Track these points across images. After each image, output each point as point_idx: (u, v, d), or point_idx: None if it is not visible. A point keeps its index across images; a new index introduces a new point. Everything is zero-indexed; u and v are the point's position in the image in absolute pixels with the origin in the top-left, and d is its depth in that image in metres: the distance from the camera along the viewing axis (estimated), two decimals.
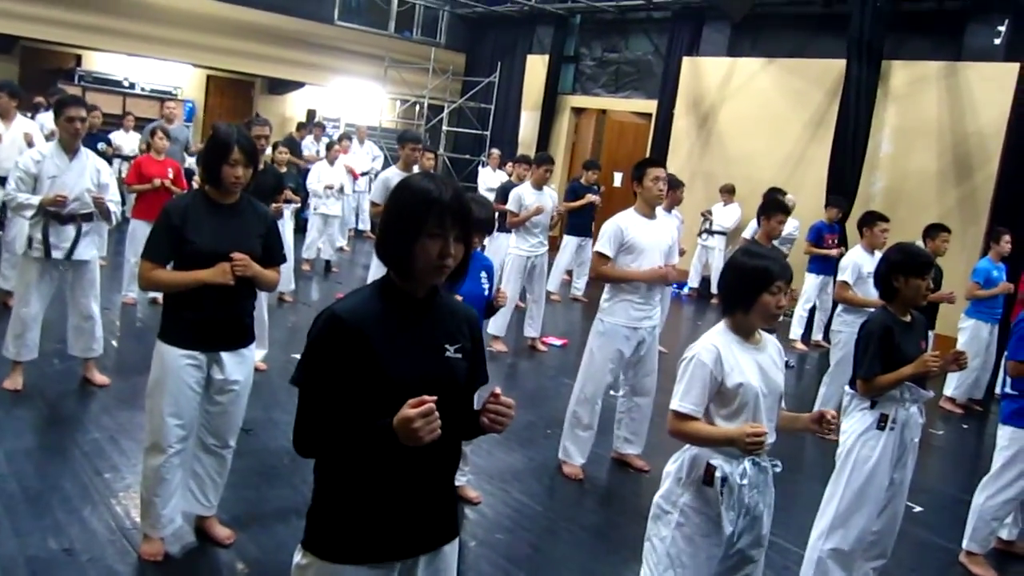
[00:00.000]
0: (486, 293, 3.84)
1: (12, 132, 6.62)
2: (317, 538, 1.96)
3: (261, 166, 5.57)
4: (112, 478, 4.09)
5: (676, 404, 2.70)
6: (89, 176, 5.03)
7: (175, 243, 3.23)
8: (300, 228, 9.59)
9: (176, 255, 3.26)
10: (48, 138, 6.62)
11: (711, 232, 11.29)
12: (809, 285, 9.32)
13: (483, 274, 3.84)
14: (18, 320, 5.07)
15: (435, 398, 1.79)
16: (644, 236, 4.74)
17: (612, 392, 5.13)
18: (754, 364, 2.72)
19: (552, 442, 5.22)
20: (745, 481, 2.66)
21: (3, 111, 6.65)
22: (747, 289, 2.70)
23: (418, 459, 1.89)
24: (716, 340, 2.74)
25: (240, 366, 3.43)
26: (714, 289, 10.67)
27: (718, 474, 2.66)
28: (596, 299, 9.37)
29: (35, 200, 4.85)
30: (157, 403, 3.32)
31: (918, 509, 4.91)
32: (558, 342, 8.11)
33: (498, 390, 1.98)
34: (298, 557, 1.98)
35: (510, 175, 9.87)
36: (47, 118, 10.27)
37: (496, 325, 7.38)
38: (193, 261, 3.23)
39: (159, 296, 6.93)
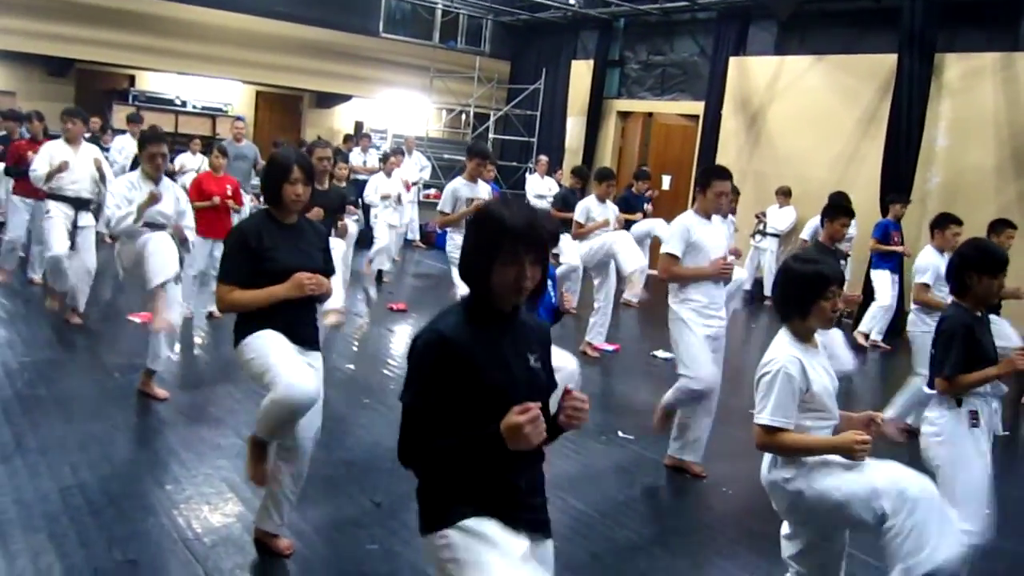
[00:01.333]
0: (553, 300, 3.97)
1: (80, 157, 6.81)
2: (440, 513, 2.06)
3: (326, 186, 5.78)
4: (173, 490, 4.14)
5: (767, 419, 2.72)
6: (171, 203, 5.42)
7: (253, 263, 3.33)
8: (359, 241, 9.68)
9: (253, 275, 3.34)
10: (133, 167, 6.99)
11: (764, 234, 11.15)
12: (883, 282, 9.07)
13: (548, 282, 3.89)
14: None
15: (539, 404, 1.92)
16: (706, 237, 4.80)
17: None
18: (821, 367, 2.78)
19: (608, 449, 5.19)
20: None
21: (72, 137, 6.85)
22: (803, 295, 2.73)
23: (518, 461, 2.03)
24: (793, 351, 2.77)
25: (311, 367, 3.47)
26: (767, 291, 10.54)
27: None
28: (645, 304, 9.32)
29: (132, 208, 5.19)
30: (268, 356, 3.29)
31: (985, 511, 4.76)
32: (610, 347, 8.06)
33: (570, 386, 2.10)
34: (435, 541, 2.05)
35: (559, 182, 9.90)
36: (124, 142, 10.72)
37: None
38: (271, 278, 3.32)
39: (215, 310, 7.06)
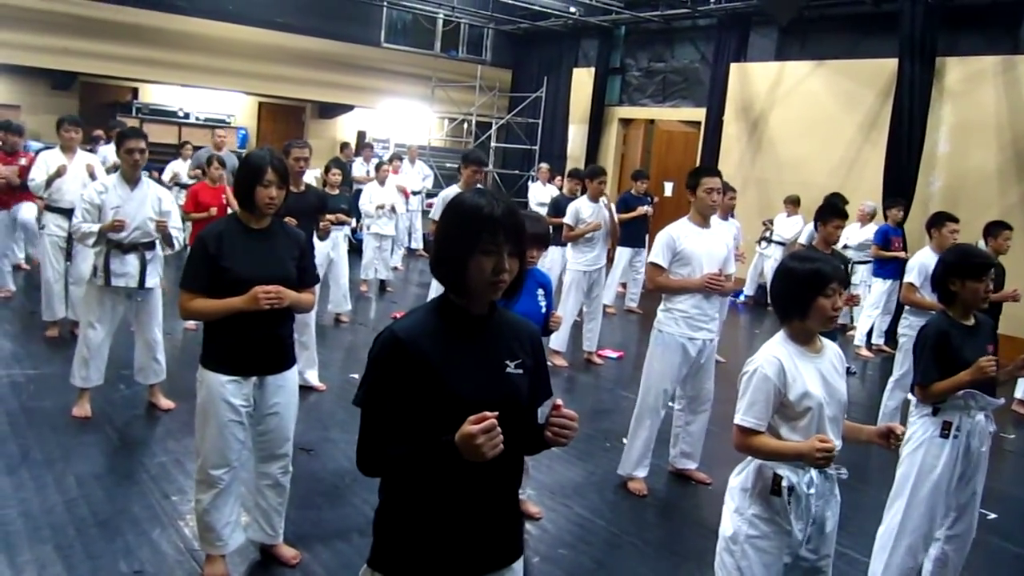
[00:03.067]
0: (543, 310, 3.81)
1: (75, 165, 6.79)
2: (383, 556, 1.97)
3: (303, 188, 5.69)
4: (179, 500, 4.15)
5: (739, 419, 2.66)
6: (151, 205, 5.15)
7: (212, 271, 3.24)
8: (354, 249, 9.68)
9: (213, 283, 3.25)
10: (110, 171, 6.77)
11: (770, 241, 11.12)
12: (877, 291, 9.09)
13: (540, 291, 3.82)
14: (84, 347, 5.19)
15: (496, 413, 1.78)
16: (698, 246, 4.67)
17: (670, 404, 5.07)
18: (816, 373, 2.66)
19: (612, 455, 5.18)
20: (812, 490, 2.61)
21: (68, 145, 6.84)
22: (802, 294, 2.64)
23: (482, 476, 1.88)
24: (777, 352, 2.68)
25: (282, 389, 3.45)
26: (771, 298, 10.51)
27: (784, 484, 2.61)
28: (650, 310, 9.34)
29: (95, 227, 4.98)
30: (204, 427, 3.36)
31: (992, 516, 4.76)
32: (614, 354, 8.06)
33: (559, 402, 1.96)
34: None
35: (561, 189, 9.84)
36: (109, 151, 10.55)
37: (557, 340, 7.40)
38: (230, 288, 3.22)
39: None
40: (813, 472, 2.61)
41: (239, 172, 3.36)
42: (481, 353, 1.96)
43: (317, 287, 3.71)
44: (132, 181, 5.10)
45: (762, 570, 2.65)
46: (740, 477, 2.77)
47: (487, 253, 1.87)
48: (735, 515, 2.73)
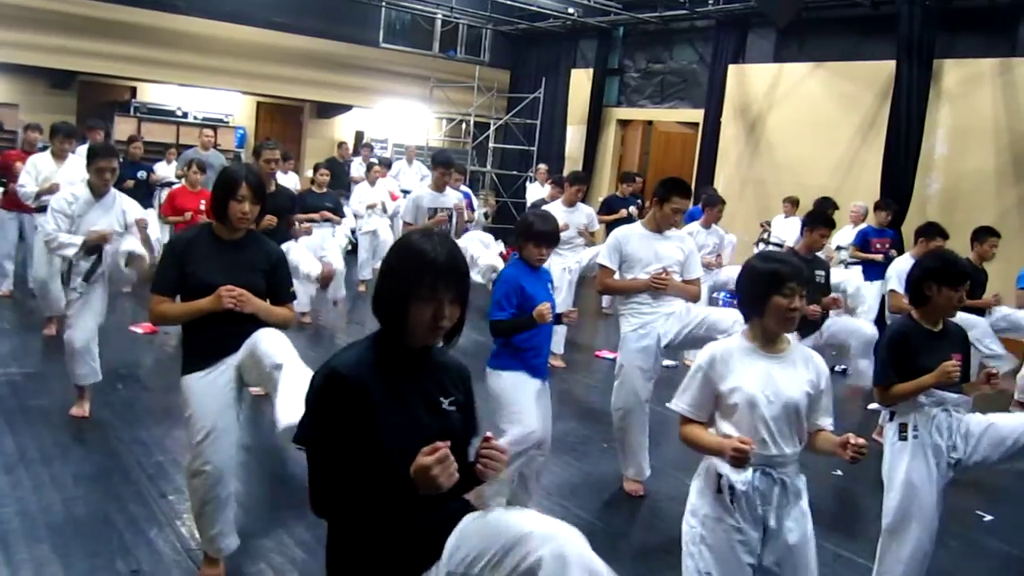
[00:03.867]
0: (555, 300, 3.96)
1: (66, 172, 6.77)
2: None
3: (272, 188, 5.66)
4: (176, 500, 4.15)
5: (673, 403, 2.72)
6: (115, 217, 5.09)
7: (179, 275, 3.27)
8: (354, 249, 9.71)
9: (181, 287, 3.28)
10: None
11: (768, 243, 11.09)
12: (871, 295, 9.04)
13: (549, 284, 4.02)
14: (70, 346, 5.14)
15: (448, 443, 1.78)
16: (644, 251, 4.60)
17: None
18: (762, 371, 2.65)
19: (609, 456, 5.19)
20: (746, 488, 2.60)
21: (58, 152, 6.85)
22: (758, 292, 2.65)
23: (430, 505, 1.87)
24: (721, 344, 2.74)
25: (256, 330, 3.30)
26: None
27: (724, 481, 2.62)
28: None
29: (78, 240, 4.93)
30: (191, 427, 3.33)
31: (988, 518, 4.77)
32: (610, 355, 8.05)
33: (489, 434, 1.97)
34: None
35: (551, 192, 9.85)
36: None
37: (553, 341, 7.37)
38: (195, 294, 3.24)
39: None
40: (750, 472, 2.60)
41: (215, 184, 3.37)
42: (418, 389, 1.98)
43: (296, 304, 3.64)
44: (99, 196, 5.06)
45: (719, 570, 2.64)
46: (698, 478, 2.78)
47: (426, 300, 1.89)
48: (690, 516, 2.75)
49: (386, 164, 11.95)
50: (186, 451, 3.47)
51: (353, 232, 10.25)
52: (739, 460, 2.50)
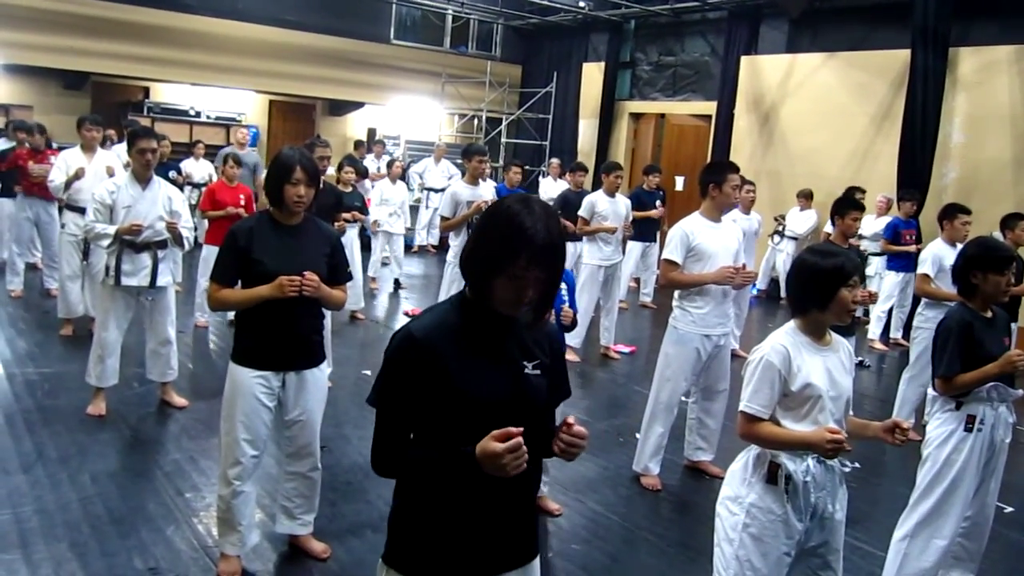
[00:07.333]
0: (561, 304, 3.83)
1: (95, 165, 6.81)
2: (398, 554, 1.95)
3: (321, 186, 5.69)
4: (193, 497, 4.17)
5: (744, 405, 2.67)
6: (162, 204, 5.17)
7: (242, 265, 3.30)
8: (365, 246, 9.70)
9: (243, 276, 3.32)
10: (126, 167, 6.80)
11: (782, 235, 11.04)
12: (889, 283, 9.03)
13: (563, 286, 3.85)
14: (98, 346, 5.21)
15: (521, 429, 1.73)
16: (712, 241, 4.64)
17: (684, 398, 5.05)
18: (822, 365, 2.66)
19: (626, 450, 5.17)
20: (809, 478, 2.60)
21: (88, 144, 6.86)
22: (823, 287, 2.63)
23: (501, 480, 1.79)
24: (784, 340, 2.69)
25: (309, 386, 3.47)
26: (783, 292, 10.46)
27: (782, 472, 2.61)
28: (664, 305, 9.29)
29: (111, 229, 5.00)
30: (231, 423, 3.38)
31: (1010, 510, 4.72)
32: (627, 349, 8.04)
33: (571, 419, 1.90)
34: (382, 574, 1.97)
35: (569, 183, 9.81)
36: (120, 150, 10.54)
37: (571, 335, 7.37)
38: (260, 281, 3.27)
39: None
40: (811, 461, 2.60)
41: (269, 170, 3.43)
42: (499, 353, 1.90)
43: (349, 284, 3.71)
44: (143, 180, 5.12)
45: (760, 560, 2.64)
46: (739, 465, 2.77)
47: (515, 279, 1.79)
48: (734, 504, 2.73)
49: (399, 163, 11.98)
50: (219, 441, 3.49)
51: (363, 229, 10.28)
52: (836, 452, 2.53)
